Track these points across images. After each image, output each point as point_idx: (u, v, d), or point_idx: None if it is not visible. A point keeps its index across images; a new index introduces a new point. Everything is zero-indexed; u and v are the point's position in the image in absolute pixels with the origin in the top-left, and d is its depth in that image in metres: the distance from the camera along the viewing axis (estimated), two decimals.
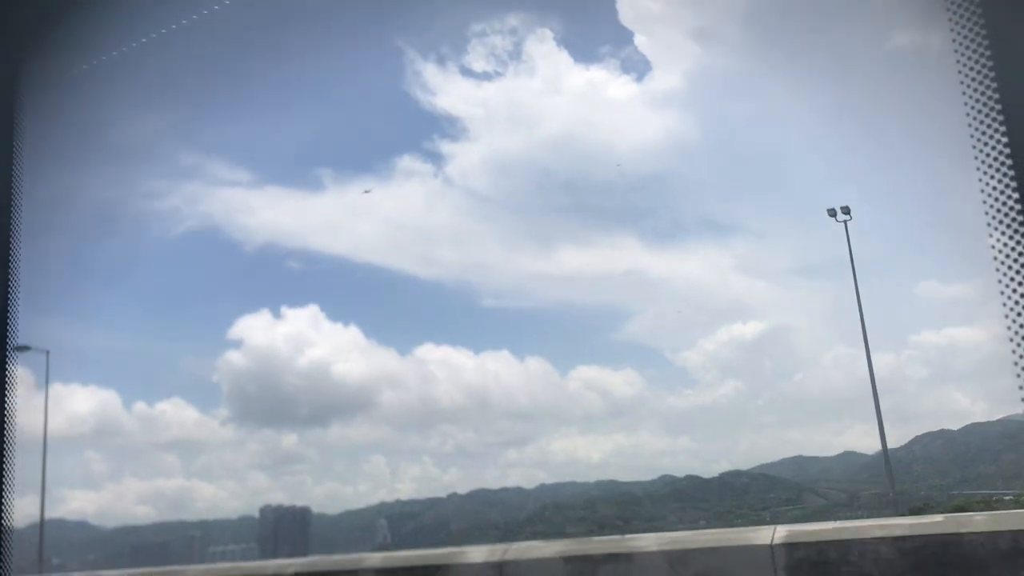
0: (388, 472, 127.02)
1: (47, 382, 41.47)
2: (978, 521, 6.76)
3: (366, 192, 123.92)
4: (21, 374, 3.58)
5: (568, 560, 7.82)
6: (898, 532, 6.85)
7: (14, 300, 3.57)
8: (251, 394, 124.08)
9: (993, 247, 2.16)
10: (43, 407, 42.74)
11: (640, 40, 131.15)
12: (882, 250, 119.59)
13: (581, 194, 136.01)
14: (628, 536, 8.38)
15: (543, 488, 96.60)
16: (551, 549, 8.20)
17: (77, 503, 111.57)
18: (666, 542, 7.78)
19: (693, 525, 69.63)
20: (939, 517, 7.78)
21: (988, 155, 2.12)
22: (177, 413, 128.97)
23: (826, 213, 45.45)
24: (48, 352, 41.65)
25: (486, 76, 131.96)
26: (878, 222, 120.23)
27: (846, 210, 44.87)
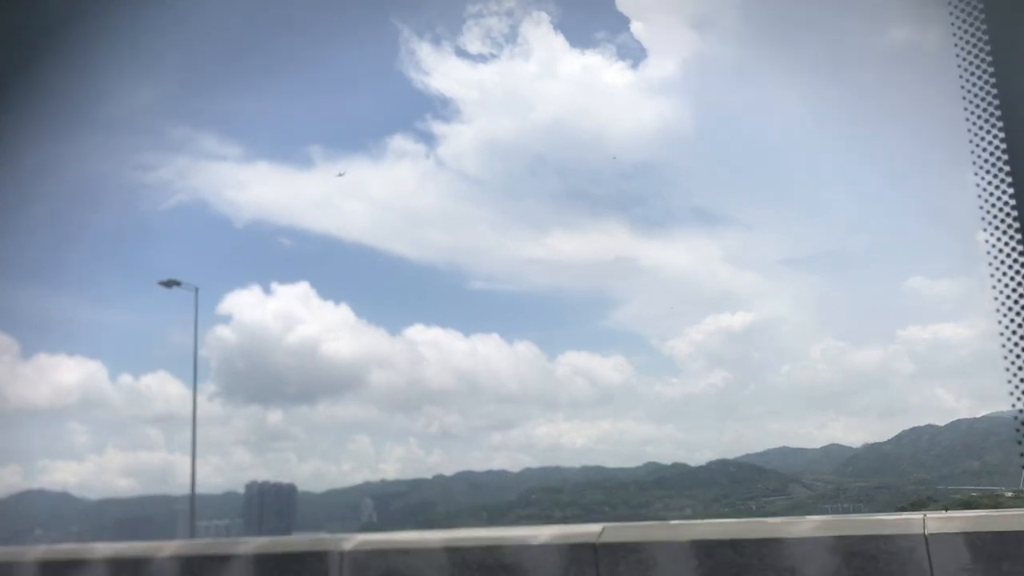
0: (373, 452, 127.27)
1: (196, 318, 41.32)
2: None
3: (340, 175, 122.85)
4: (3, 343, 3.27)
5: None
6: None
7: None
8: (239, 370, 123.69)
9: (988, 247, 2.12)
10: (193, 340, 42.11)
11: (636, 27, 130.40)
12: (873, 244, 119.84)
13: (573, 180, 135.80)
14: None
15: (528, 472, 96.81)
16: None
17: (59, 474, 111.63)
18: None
19: (679, 513, 69.91)
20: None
21: (984, 153, 2.07)
22: (162, 387, 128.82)
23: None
24: (197, 289, 41.22)
25: (481, 58, 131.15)
26: (869, 215, 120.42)
27: None
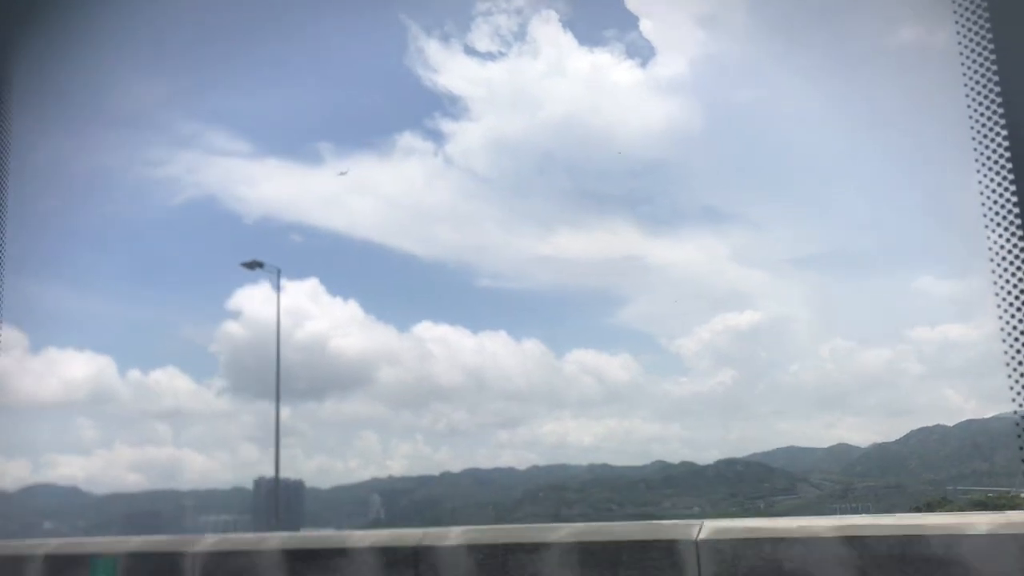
0: (379, 449, 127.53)
1: (278, 299, 41.57)
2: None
3: (342, 174, 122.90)
4: (12, 337, 3.26)
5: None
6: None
7: None
8: (247, 365, 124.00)
9: (990, 247, 2.14)
10: (276, 326, 42.23)
11: (645, 25, 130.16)
12: (881, 243, 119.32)
13: (581, 178, 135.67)
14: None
15: (535, 470, 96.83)
16: None
17: (67, 468, 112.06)
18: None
19: (687, 512, 69.72)
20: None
21: (988, 154, 2.12)
22: (171, 382, 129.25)
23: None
24: (279, 269, 41.27)
25: (490, 56, 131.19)
26: (877, 214, 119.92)
27: None
